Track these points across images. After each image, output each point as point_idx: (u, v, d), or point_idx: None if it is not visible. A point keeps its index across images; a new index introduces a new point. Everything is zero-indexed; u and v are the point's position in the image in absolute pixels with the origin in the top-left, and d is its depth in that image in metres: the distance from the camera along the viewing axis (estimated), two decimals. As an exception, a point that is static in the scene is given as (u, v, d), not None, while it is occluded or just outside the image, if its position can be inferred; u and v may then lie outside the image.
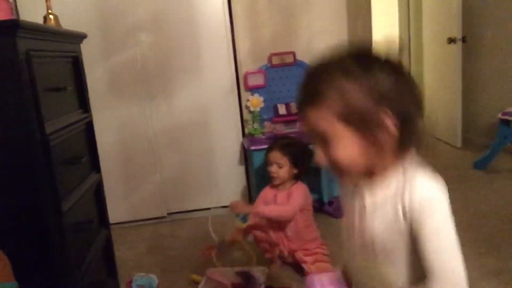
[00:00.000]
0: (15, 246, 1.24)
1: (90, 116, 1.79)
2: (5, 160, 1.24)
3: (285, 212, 1.97)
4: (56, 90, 1.43)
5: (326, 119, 0.79)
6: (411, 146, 0.82)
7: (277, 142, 2.11)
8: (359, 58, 0.82)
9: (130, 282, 1.97)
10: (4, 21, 1.21)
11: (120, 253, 2.26)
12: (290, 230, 2.01)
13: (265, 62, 2.75)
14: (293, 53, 2.72)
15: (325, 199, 2.53)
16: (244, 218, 1.90)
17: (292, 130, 2.74)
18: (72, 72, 1.68)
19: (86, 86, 1.78)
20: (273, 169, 2.04)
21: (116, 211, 2.71)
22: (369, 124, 0.78)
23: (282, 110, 2.74)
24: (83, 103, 1.74)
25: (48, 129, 1.31)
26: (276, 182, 2.05)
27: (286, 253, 2.00)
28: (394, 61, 0.81)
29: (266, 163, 2.09)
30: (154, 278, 1.98)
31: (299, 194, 2.01)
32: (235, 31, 2.72)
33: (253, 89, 2.76)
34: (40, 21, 1.66)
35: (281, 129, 2.74)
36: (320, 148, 0.83)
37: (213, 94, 2.76)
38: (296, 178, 2.08)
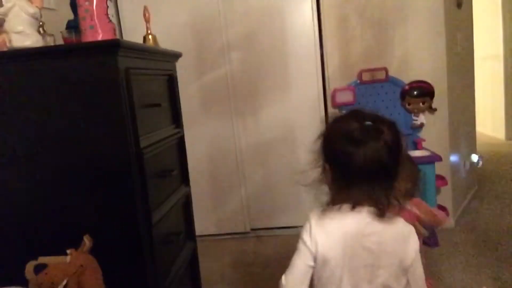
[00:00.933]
0: (107, 255, 1.30)
1: (182, 131, 1.85)
2: (102, 172, 1.31)
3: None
4: (151, 106, 1.50)
5: None
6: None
7: None
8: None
9: (213, 296, 1.99)
10: (107, 40, 1.29)
11: (204, 265, 2.29)
12: None
13: (354, 78, 2.67)
14: (385, 69, 2.61)
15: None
16: None
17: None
18: (167, 89, 1.76)
19: (180, 103, 1.85)
20: None
21: (202, 224, 2.78)
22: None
23: (371, 128, 2.63)
24: (176, 118, 1.81)
25: (143, 143, 1.37)
26: None
27: None
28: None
29: None
30: (236, 294, 1.98)
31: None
32: (325, 47, 2.68)
33: (341, 106, 2.69)
34: (140, 40, 1.77)
35: (370, 148, 2.63)
36: None
37: (300, 111, 2.73)
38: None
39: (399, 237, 0.99)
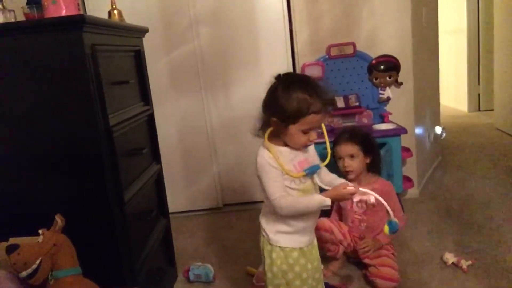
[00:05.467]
0: (80, 234, 1.30)
1: (151, 108, 1.84)
2: (71, 151, 1.30)
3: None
4: (119, 83, 1.48)
5: None
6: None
7: (342, 136, 1.99)
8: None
9: (188, 270, 2.02)
10: (71, 16, 1.25)
11: (178, 242, 2.31)
12: (364, 224, 1.97)
13: (323, 53, 2.69)
14: (353, 44, 2.64)
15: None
16: None
17: (350, 124, 2.66)
18: (135, 66, 1.73)
19: (148, 79, 1.83)
20: (346, 162, 1.92)
21: (174, 201, 2.79)
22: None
23: (340, 103, 2.67)
24: (145, 96, 1.79)
25: (112, 121, 1.35)
26: (351, 176, 1.91)
27: (349, 250, 1.96)
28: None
29: (334, 159, 1.98)
30: (210, 268, 2.01)
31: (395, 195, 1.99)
32: (294, 22, 2.68)
33: (310, 82, 2.70)
34: (105, 16, 1.72)
35: (339, 122, 2.68)
36: None
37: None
38: (369, 169, 1.98)
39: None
